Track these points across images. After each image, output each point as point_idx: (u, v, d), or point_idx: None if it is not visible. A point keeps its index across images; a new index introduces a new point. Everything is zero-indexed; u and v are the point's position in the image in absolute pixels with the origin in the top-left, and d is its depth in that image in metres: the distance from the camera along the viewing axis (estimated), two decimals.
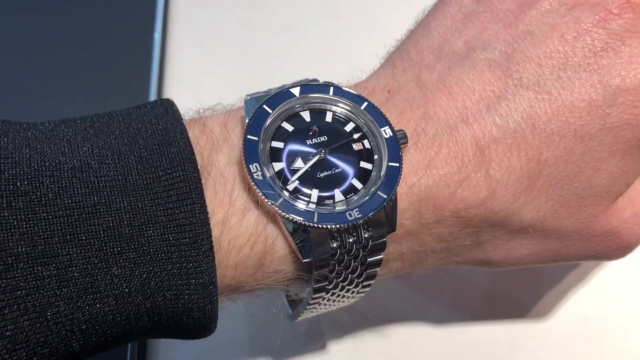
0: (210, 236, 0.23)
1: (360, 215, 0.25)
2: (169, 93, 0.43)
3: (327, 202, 0.25)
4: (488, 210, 0.27)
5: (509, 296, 0.38)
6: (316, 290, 0.27)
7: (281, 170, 0.26)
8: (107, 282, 0.22)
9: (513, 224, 0.28)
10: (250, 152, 0.25)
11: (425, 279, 0.37)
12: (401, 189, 0.27)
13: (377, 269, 0.28)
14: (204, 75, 0.44)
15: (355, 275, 0.27)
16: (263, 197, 0.24)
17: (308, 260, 0.25)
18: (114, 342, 0.24)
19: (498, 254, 0.30)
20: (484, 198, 0.27)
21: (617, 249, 0.30)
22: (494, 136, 0.27)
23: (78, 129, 0.25)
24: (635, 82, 0.27)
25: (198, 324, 0.25)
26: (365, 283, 0.28)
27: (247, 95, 0.28)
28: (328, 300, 0.29)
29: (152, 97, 0.42)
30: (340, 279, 0.27)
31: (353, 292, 0.28)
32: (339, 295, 0.28)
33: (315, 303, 0.29)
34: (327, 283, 0.27)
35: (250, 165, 0.25)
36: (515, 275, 0.38)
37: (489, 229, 0.28)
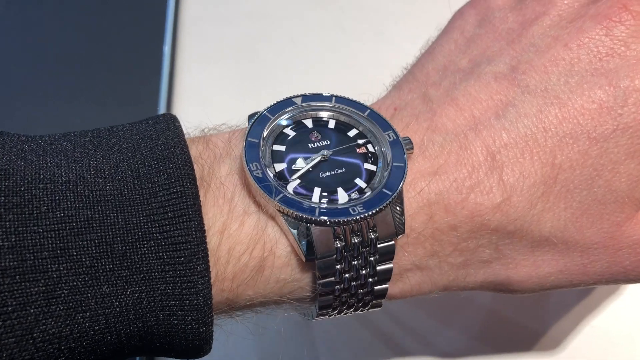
0: (207, 255, 0.22)
1: (364, 210, 0.24)
2: (178, 105, 0.43)
3: (330, 199, 0.24)
4: (504, 216, 0.26)
5: (513, 305, 0.37)
6: (321, 307, 0.25)
7: (282, 171, 0.25)
8: (97, 300, 0.21)
9: (533, 234, 0.26)
10: (250, 153, 0.25)
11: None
12: (409, 194, 0.26)
13: (387, 285, 0.26)
14: (213, 87, 0.45)
15: (364, 290, 0.25)
16: (262, 192, 0.23)
17: (311, 260, 0.24)
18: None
19: (520, 271, 0.27)
20: (498, 203, 0.26)
21: None
22: (504, 141, 0.26)
23: (77, 143, 0.24)
24: None
25: (191, 345, 0.23)
26: (375, 302, 0.26)
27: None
28: (335, 316, 0.26)
29: (162, 109, 0.43)
30: (347, 294, 0.25)
31: (362, 310, 0.26)
32: (345, 313, 0.26)
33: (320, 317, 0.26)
34: (332, 297, 0.25)
35: (250, 164, 0.24)
36: None
37: (508, 240, 0.26)
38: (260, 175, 0.24)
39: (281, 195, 0.23)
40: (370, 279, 0.25)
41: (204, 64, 0.46)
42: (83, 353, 0.22)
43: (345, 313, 0.26)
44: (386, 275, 0.25)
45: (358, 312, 0.26)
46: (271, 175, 0.24)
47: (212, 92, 0.44)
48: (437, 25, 0.33)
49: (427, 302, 0.36)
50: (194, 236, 0.22)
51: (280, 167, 0.25)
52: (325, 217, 0.23)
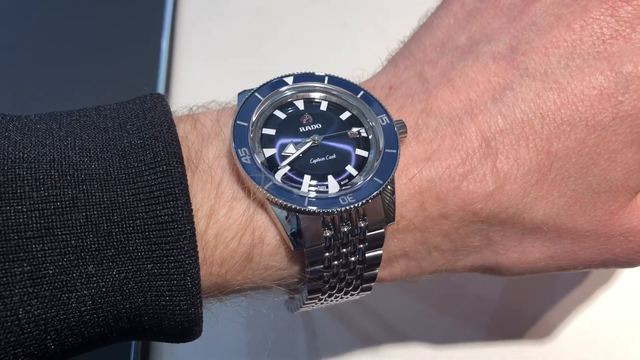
0: (194, 234, 0.22)
1: (354, 200, 0.23)
2: (176, 100, 0.43)
3: (319, 188, 0.24)
4: (496, 204, 0.25)
5: (512, 304, 0.37)
6: (311, 292, 0.25)
7: (272, 156, 0.24)
8: (83, 280, 0.21)
9: (524, 221, 0.26)
10: (238, 137, 0.24)
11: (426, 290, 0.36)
12: (401, 181, 0.25)
13: (377, 270, 0.26)
14: (212, 83, 0.44)
15: (353, 275, 0.25)
16: (250, 180, 0.23)
17: (300, 249, 0.23)
18: (93, 343, 0.23)
19: (510, 257, 0.27)
20: (491, 191, 0.25)
21: (639, 252, 0.28)
22: (500, 127, 0.26)
23: (63, 122, 0.24)
24: None
25: (181, 327, 0.23)
26: (364, 285, 0.26)
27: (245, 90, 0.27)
28: (324, 302, 0.26)
29: None
30: (336, 279, 0.25)
31: (352, 294, 0.26)
32: (335, 297, 0.26)
33: (309, 305, 0.26)
34: (321, 283, 0.25)
35: (239, 150, 0.24)
36: (519, 281, 0.37)
37: (499, 227, 0.26)
38: (249, 162, 0.23)
39: (270, 183, 0.23)
40: (360, 265, 0.25)
41: (202, 59, 0.45)
42: (70, 335, 0.22)
43: (335, 297, 0.26)
44: (375, 261, 0.25)
45: (348, 296, 0.26)
46: (260, 161, 0.24)
47: (210, 88, 0.43)
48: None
49: (423, 290, 0.37)
50: (180, 215, 0.22)
51: (270, 152, 0.24)
52: (315, 207, 0.23)
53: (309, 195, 0.23)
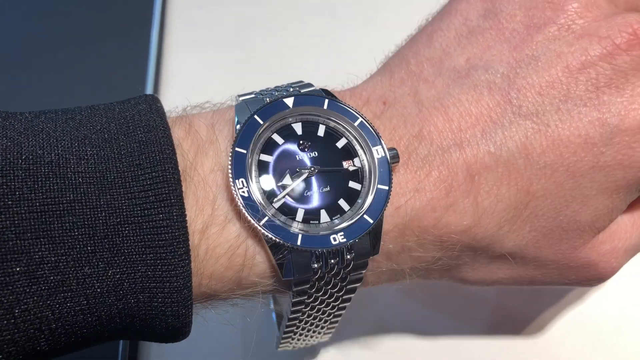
0: (187, 239, 0.23)
1: (344, 240, 0.25)
2: (166, 91, 0.42)
3: (312, 222, 0.25)
4: (471, 237, 0.27)
5: (501, 293, 0.38)
6: (295, 304, 0.27)
7: (269, 186, 0.25)
8: (78, 281, 0.22)
9: (494, 250, 0.28)
10: (237, 166, 0.24)
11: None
12: (388, 211, 0.26)
13: (357, 285, 0.27)
14: (201, 73, 0.44)
15: (335, 290, 0.27)
16: (247, 214, 0.24)
17: (288, 279, 0.25)
18: (84, 343, 0.24)
19: (475, 275, 0.30)
20: (468, 225, 0.27)
21: (591, 280, 0.30)
22: (486, 164, 0.26)
23: (58, 122, 0.24)
24: (634, 124, 0.26)
25: (171, 327, 0.24)
26: (345, 297, 0.28)
27: (238, 96, 0.27)
28: (308, 317, 0.28)
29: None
30: (320, 294, 0.27)
31: (334, 306, 0.28)
32: (319, 310, 0.28)
33: (295, 318, 0.28)
34: (306, 297, 0.27)
35: (237, 181, 0.24)
36: None
37: (470, 253, 0.28)
38: (246, 195, 0.24)
39: (265, 219, 0.24)
40: (342, 283, 0.27)
41: (192, 49, 0.44)
42: (63, 334, 0.23)
43: (318, 311, 0.28)
44: (356, 279, 0.27)
45: (329, 308, 0.28)
46: (256, 190, 0.24)
47: (200, 78, 0.42)
48: (430, 11, 0.31)
49: (418, 289, 0.38)
50: (174, 220, 0.23)
51: (266, 180, 0.25)
52: (307, 246, 0.24)
53: (302, 233, 0.24)
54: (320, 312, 0.28)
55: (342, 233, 0.25)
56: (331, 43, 0.45)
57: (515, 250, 0.28)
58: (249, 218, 0.24)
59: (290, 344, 0.31)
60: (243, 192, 0.24)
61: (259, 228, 0.24)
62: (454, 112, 0.27)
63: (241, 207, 0.24)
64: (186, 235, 0.23)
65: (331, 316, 0.29)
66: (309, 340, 0.31)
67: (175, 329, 0.25)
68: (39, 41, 0.43)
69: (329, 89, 0.28)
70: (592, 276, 0.30)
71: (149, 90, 0.41)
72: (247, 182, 0.24)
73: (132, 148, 0.23)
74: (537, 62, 0.27)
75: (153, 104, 0.25)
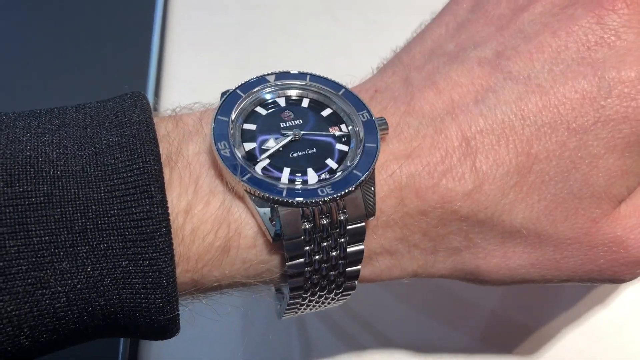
0: (170, 232, 0.22)
1: (332, 191, 0.23)
2: (167, 94, 0.43)
3: (299, 181, 0.24)
4: (475, 203, 0.25)
5: (502, 293, 0.37)
6: (293, 289, 0.25)
7: (252, 150, 0.24)
8: (57, 277, 0.21)
9: (504, 224, 0.26)
10: (219, 131, 0.24)
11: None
12: (381, 176, 0.25)
13: (359, 266, 0.25)
14: (202, 75, 0.44)
15: (335, 272, 0.25)
16: (228, 171, 0.23)
17: (278, 241, 0.23)
18: (68, 340, 0.23)
19: (490, 261, 0.27)
20: (470, 190, 0.25)
21: (624, 264, 0.27)
22: (480, 127, 0.26)
23: (42, 120, 0.24)
24: (632, 74, 0.26)
25: (157, 325, 0.23)
26: (347, 283, 0.26)
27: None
28: (309, 303, 0.26)
29: (150, 97, 0.42)
30: (317, 275, 0.25)
31: (337, 293, 0.26)
32: (319, 297, 0.26)
33: (293, 307, 0.26)
34: (302, 279, 0.25)
35: (218, 143, 0.24)
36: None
37: (478, 228, 0.26)
38: (228, 155, 0.23)
39: (248, 174, 0.23)
40: (342, 261, 0.25)
41: (193, 51, 0.46)
42: (45, 332, 0.21)
43: (319, 297, 0.26)
44: (357, 257, 0.25)
45: (332, 296, 0.26)
46: (240, 154, 0.24)
47: (201, 81, 0.44)
48: (431, 12, 0.32)
49: (415, 295, 0.36)
50: (156, 213, 0.22)
51: (250, 146, 0.25)
52: (293, 198, 0.23)
53: (288, 187, 0.23)
54: (322, 299, 0.26)
55: (329, 186, 0.23)
56: (332, 45, 0.45)
57: (526, 223, 0.26)
58: (231, 175, 0.23)
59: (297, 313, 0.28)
60: (225, 152, 0.23)
61: (242, 183, 0.23)
62: (444, 86, 0.27)
63: (222, 166, 0.23)
64: (168, 228, 0.22)
65: (335, 301, 0.26)
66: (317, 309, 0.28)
67: (161, 326, 0.23)
68: (40, 43, 0.44)
69: None
70: (624, 259, 0.27)
71: (151, 92, 0.42)
72: (230, 145, 0.24)
73: (114, 142, 0.23)
74: (524, 34, 0.27)
75: (138, 100, 0.25)
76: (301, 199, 0.23)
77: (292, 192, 0.23)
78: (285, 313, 0.27)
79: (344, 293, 0.26)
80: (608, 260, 0.27)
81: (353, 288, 0.26)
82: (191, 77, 0.44)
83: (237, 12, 0.48)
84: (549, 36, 0.27)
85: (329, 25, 0.47)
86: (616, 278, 0.27)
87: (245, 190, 0.23)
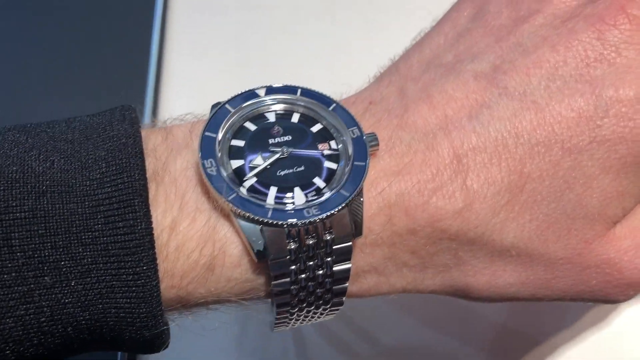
0: (153, 246, 0.22)
1: (319, 212, 0.23)
2: (166, 98, 0.43)
3: (285, 200, 0.24)
4: (465, 222, 0.25)
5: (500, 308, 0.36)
6: (279, 305, 0.25)
7: (239, 168, 0.24)
8: (41, 291, 0.21)
9: (494, 243, 0.26)
10: (206, 148, 0.24)
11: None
12: (370, 194, 0.25)
13: (346, 284, 0.25)
14: (202, 78, 0.44)
15: (322, 289, 0.25)
16: (214, 191, 0.23)
17: (263, 261, 0.23)
18: (55, 354, 0.23)
19: (479, 279, 0.27)
20: (460, 209, 0.25)
21: (617, 286, 0.27)
22: (473, 144, 0.25)
23: (30, 134, 0.24)
24: (631, 93, 0.25)
25: (142, 339, 0.23)
26: (335, 300, 0.26)
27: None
28: (297, 317, 0.26)
29: (149, 102, 0.42)
30: (304, 293, 0.25)
31: (325, 309, 0.26)
32: (308, 312, 0.26)
33: (282, 322, 0.26)
34: (289, 296, 0.25)
35: (205, 161, 0.24)
36: None
37: (468, 247, 0.26)
38: (214, 173, 0.23)
39: (234, 194, 0.23)
40: (328, 279, 0.25)
41: (192, 56, 0.46)
42: (30, 346, 0.22)
43: (307, 312, 0.26)
44: (344, 274, 0.25)
45: (320, 311, 0.26)
46: (225, 173, 0.24)
47: (201, 83, 0.43)
48: (428, 14, 0.32)
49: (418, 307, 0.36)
50: (139, 227, 0.22)
51: (237, 163, 0.24)
52: (278, 219, 0.23)
53: (274, 207, 0.23)
54: (310, 314, 0.26)
55: (316, 207, 0.23)
56: (332, 46, 0.45)
57: (517, 243, 0.26)
58: (217, 195, 0.23)
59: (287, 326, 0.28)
60: (211, 170, 0.23)
61: (227, 203, 0.23)
62: (438, 100, 0.26)
63: (208, 185, 0.23)
64: (152, 242, 0.22)
65: (323, 317, 0.26)
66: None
67: (147, 340, 0.23)
68: (40, 46, 0.45)
69: None
70: (616, 280, 0.26)
71: (150, 94, 0.42)
72: (216, 162, 0.24)
73: (100, 156, 0.23)
74: (523, 48, 0.27)
75: (127, 113, 0.25)
76: (286, 220, 0.23)
77: (277, 213, 0.23)
78: (275, 327, 0.27)
79: (332, 309, 0.26)
80: (600, 282, 0.26)
81: (341, 304, 0.26)
82: (191, 79, 0.44)
83: (236, 13, 0.48)
84: (547, 50, 0.26)
85: (329, 26, 0.47)
86: (608, 299, 0.27)
87: (231, 210, 0.23)
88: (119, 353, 0.34)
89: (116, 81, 0.43)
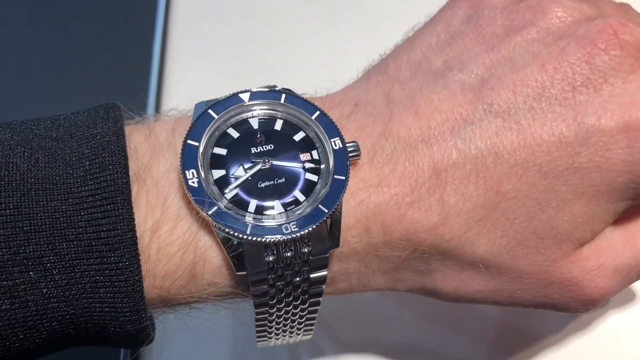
0: (136, 242, 0.23)
1: (297, 229, 0.24)
2: (168, 103, 0.43)
3: (265, 213, 0.24)
4: (438, 236, 0.26)
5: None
6: (258, 305, 0.26)
7: (220, 178, 0.25)
8: (26, 286, 0.22)
9: (465, 255, 0.26)
10: (188, 158, 0.24)
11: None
12: (349, 205, 0.25)
13: (322, 286, 0.26)
14: (203, 84, 0.44)
15: (299, 291, 0.26)
16: (195, 204, 0.23)
17: (242, 273, 0.24)
18: (41, 349, 0.24)
19: (448, 285, 0.28)
20: (435, 223, 0.26)
21: (578, 302, 0.28)
22: (453, 160, 0.26)
23: (16, 131, 0.24)
24: (611, 124, 0.25)
25: (127, 333, 0.24)
26: (312, 300, 0.27)
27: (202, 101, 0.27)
28: (277, 319, 0.27)
29: (151, 106, 0.43)
30: (282, 295, 0.26)
31: (303, 309, 0.27)
32: (287, 313, 0.27)
33: (262, 322, 0.27)
34: (268, 298, 0.26)
35: (187, 172, 0.24)
36: None
37: (439, 257, 0.27)
38: (196, 185, 0.24)
39: (215, 207, 0.23)
40: (305, 284, 0.26)
41: (194, 61, 0.45)
42: (15, 341, 0.23)
43: (286, 313, 0.27)
44: (320, 279, 0.26)
45: (298, 312, 0.27)
46: (206, 184, 0.24)
47: (202, 89, 0.43)
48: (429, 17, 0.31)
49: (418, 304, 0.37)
50: (122, 224, 0.22)
51: (219, 174, 0.25)
52: (256, 236, 0.23)
53: (253, 223, 0.24)
54: (289, 314, 0.27)
55: (294, 223, 0.24)
56: (331, 52, 0.45)
57: (487, 257, 0.26)
58: (198, 208, 0.23)
59: (270, 342, 0.29)
60: (193, 182, 0.24)
61: (208, 218, 0.23)
62: (424, 110, 0.26)
63: (190, 197, 0.23)
64: (134, 238, 0.23)
65: (303, 319, 0.27)
66: (287, 340, 0.29)
67: (131, 334, 0.24)
68: (41, 51, 0.45)
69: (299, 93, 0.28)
70: (578, 296, 0.28)
71: (152, 101, 0.42)
72: (198, 173, 0.24)
73: (84, 154, 0.24)
74: (512, 63, 0.26)
75: (112, 111, 0.25)
76: (265, 236, 0.23)
77: (256, 229, 0.23)
78: (257, 338, 0.28)
79: (310, 309, 0.27)
80: (563, 297, 0.28)
81: (318, 304, 0.27)
82: (192, 86, 0.44)
83: (237, 21, 0.47)
84: (536, 69, 0.26)
85: (328, 32, 0.47)
86: (569, 311, 0.29)
87: (211, 224, 0.23)
88: (122, 351, 0.35)
89: (118, 88, 0.43)
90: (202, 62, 0.45)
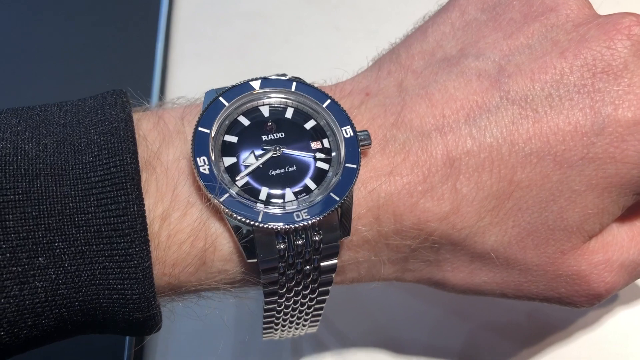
0: (146, 229, 0.22)
1: (308, 216, 0.24)
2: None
3: (276, 201, 0.24)
4: (450, 225, 0.26)
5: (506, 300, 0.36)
6: (267, 294, 0.26)
7: (232, 166, 0.25)
8: (35, 272, 0.22)
9: (475, 245, 0.26)
10: (199, 145, 0.24)
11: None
12: (360, 193, 0.25)
13: (332, 275, 0.26)
14: (206, 85, 0.43)
15: (309, 280, 0.26)
16: (207, 191, 0.23)
17: (253, 260, 0.24)
18: (49, 336, 0.23)
19: (456, 275, 0.28)
20: (447, 212, 0.25)
21: (584, 296, 0.28)
22: (467, 148, 0.25)
23: (22, 117, 0.24)
24: (628, 115, 0.25)
25: (136, 321, 0.24)
26: (321, 289, 0.27)
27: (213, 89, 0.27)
28: (286, 309, 0.27)
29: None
30: (292, 283, 0.26)
31: (312, 299, 0.27)
32: (296, 302, 0.27)
33: (270, 312, 0.27)
34: (278, 287, 0.26)
35: (198, 159, 0.24)
36: None
37: (450, 247, 0.27)
38: (207, 172, 0.24)
39: (226, 194, 0.23)
40: (315, 273, 0.26)
41: (196, 62, 0.45)
42: (24, 327, 0.22)
43: (295, 302, 0.27)
44: (330, 268, 0.26)
45: (307, 301, 0.27)
46: (217, 172, 0.24)
47: (204, 90, 0.43)
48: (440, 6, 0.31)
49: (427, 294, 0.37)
50: (131, 210, 0.22)
51: (230, 161, 0.25)
52: (268, 223, 0.23)
53: (264, 210, 0.23)
54: (298, 304, 0.27)
55: (306, 211, 0.24)
56: (334, 55, 0.45)
57: (497, 247, 0.26)
58: (209, 195, 0.23)
59: (275, 334, 0.29)
60: (204, 169, 0.24)
61: (219, 204, 0.23)
62: (438, 98, 0.26)
63: (201, 184, 0.23)
64: (144, 224, 0.22)
65: (311, 309, 0.27)
66: (293, 332, 0.29)
67: (140, 322, 0.24)
68: (44, 51, 0.45)
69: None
70: (585, 291, 0.28)
71: (154, 102, 0.42)
72: (209, 160, 0.24)
73: (93, 140, 0.23)
74: (531, 50, 0.26)
75: (119, 98, 0.25)
76: (276, 224, 0.23)
77: (268, 216, 0.23)
78: (263, 330, 0.28)
79: (319, 298, 0.27)
80: (569, 290, 0.28)
81: (327, 293, 0.27)
82: (195, 87, 0.43)
83: (240, 21, 0.47)
84: (555, 56, 0.26)
85: (331, 35, 0.47)
86: (574, 305, 0.28)
87: (223, 210, 0.23)
88: (127, 339, 0.35)
89: (121, 88, 0.43)
90: (205, 64, 0.46)
